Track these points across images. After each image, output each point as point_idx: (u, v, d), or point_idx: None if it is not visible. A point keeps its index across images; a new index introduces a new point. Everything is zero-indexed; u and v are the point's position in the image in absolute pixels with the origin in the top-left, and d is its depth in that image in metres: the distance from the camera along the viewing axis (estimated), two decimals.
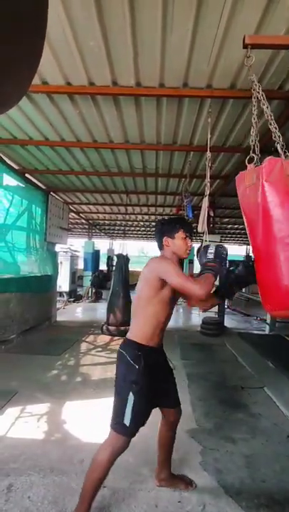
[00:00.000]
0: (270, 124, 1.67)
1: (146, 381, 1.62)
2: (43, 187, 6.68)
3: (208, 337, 6.14)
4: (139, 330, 1.70)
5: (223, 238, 13.64)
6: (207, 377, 3.95)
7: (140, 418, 1.62)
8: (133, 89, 3.01)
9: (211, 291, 1.61)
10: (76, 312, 9.08)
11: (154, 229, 1.92)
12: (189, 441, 2.49)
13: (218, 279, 1.67)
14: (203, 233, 2.96)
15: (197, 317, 8.23)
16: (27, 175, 5.84)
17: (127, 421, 1.57)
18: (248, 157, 1.61)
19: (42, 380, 3.68)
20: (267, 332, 6.78)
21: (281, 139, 1.63)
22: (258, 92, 1.72)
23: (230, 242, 16.07)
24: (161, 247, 1.81)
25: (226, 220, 10.39)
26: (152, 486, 1.97)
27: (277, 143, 1.61)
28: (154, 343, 1.72)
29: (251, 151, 1.65)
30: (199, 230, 3.05)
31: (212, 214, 6.47)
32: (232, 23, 2.25)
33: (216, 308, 6.75)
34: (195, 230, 2.55)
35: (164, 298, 1.68)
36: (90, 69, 2.79)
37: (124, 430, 1.59)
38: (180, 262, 1.86)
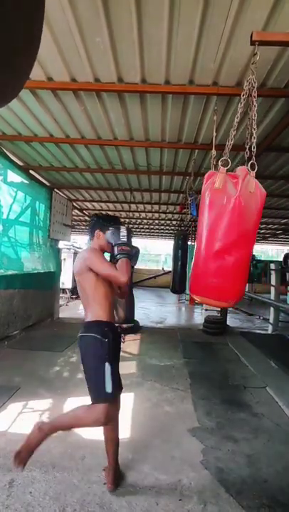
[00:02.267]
0: (252, 127, 1.73)
1: (113, 351, 1.85)
2: (47, 184, 6.68)
3: (210, 336, 6.14)
4: (99, 311, 1.88)
5: None
6: (209, 376, 3.95)
7: (117, 383, 1.87)
8: (138, 86, 2.98)
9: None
10: (79, 309, 9.10)
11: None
12: (191, 439, 2.50)
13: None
14: None
15: (200, 316, 8.22)
16: (31, 171, 5.84)
17: (108, 388, 1.75)
18: (221, 159, 1.68)
19: (44, 376, 3.69)
20: (270, 332, 6.76)
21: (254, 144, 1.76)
22: (254, 96, 1.77)
23: None
24: (91, 237, 2.02)
25: None
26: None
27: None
28: (111, 318, 1.94)
29: (224, 153, 1.77)
30: None
31: None
32: (239, 19, 2.22)
33: (218, 307, 6.74)
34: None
35: (103, 280, 1.86)
36: (96, 65, 2.78)
37: (109, 396, 1.77)
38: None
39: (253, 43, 1.82)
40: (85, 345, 1.86)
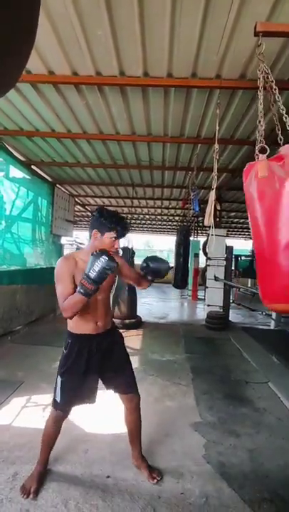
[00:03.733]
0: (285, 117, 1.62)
1: (75, 365, 1.77)
2: (49, 179, 6.67)
3: (212, 331, 6.14)
4: (69, 320, 1.77)
5: (229, 232, 13.53)
6: (211, 371, 3.96)
7: (70, 397, 1.80)
8: (140, 80, 2.96)
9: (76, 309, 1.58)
10: None
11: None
12: (193, 434, 2.51)
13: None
14: (209, 227, 2.93)
15: (202, 311, 8.22)
16: (33, 167, 5.83)
17: (57, 397, 1.79)
18: (258, 147, 1.53)
19: (47, 370, 3.71)
20: (272, 327, 6.75)
21: None
22: (271, 81, 1.67)
23: (236, 236, 15.94)
24: (89, 235, 1.75)
25: (233, 214, 10.29)
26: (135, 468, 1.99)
27: None
28: (89, 329, 1.79)
29: (258, 142, 1.58)
30: (206, 223, 3.02)
31: (219, 208, 6.41)
32: (242, 11, 2.18)
33: (220, 303, 6.74)
34: (201, 224, 2.52)
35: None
36: (97, 58, 2.75)
37: (56, 405, 1.82)
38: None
39: (256, 33, 1.79)
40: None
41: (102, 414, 2.64)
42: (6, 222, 5.20)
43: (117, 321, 5.87)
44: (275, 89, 1.68)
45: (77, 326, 1.79)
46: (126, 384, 1.93)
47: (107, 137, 4.39)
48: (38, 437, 2.33)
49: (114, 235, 1.67)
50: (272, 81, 1.68)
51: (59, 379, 1.79)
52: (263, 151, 1.51)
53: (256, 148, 1.54)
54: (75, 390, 1.81)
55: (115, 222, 1.66)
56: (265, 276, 1.52)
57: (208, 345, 5.19)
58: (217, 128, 3.03)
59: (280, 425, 2.72)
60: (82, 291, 1.51)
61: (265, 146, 1.51)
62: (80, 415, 2.71)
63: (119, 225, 1.67)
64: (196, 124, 3.89)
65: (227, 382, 3.62)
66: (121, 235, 1.70)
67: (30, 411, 2.74)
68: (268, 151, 1.51)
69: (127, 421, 2.01)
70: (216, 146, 2.86)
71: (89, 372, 1.80)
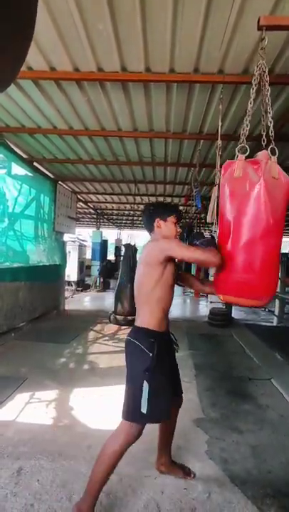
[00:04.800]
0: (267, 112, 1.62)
1: (160, 368, 1.60)
2: (51, 176, 6.66)
3: (215, 328, 6.14)
4: (150, 316, 1.67)
5: None
6: (214, 367, 3.96)
7: (158, 405, 1.58)
8: (142, 75, 2.93)
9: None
10: (84, 301, 9.17)
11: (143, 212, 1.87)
12: (195, 430, 2.52)
13: None
14: (212, 224, 2.92)
15: (205, 308, 8.21)
16: (35, 164, 5.82)
17: (144, 409, 1.53)
18: (238, 146, 1.56)
19: (51, 367, 3.74)
20: (275, 324, 6.75)
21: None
22: (266, 81, 1.67)
23: None
24: (151, 229, 1.80)
25: None
26: (159, 473, 2.00)
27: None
28: (164, 328, 1.72)
29: (240, 141, 1.59)
30: (208, 220, 3.00)
31: None
32: (246, 5, 2.15)
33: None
34: (204, 221, 2.52)
35: (167, 281, 1.67)
36: (99, 54, 2.72)
37: (141, 418, 1.56)
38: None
39: (260, 27, 1.77)
40: (130, 351, 1.67)
41: (105, 410, 2.66)
42: (8, 219, 5.22)
43: (119, 317, 5.88)
44: (268, 90, 1.68)
45: (160, 322, 1.68)
46: (180, 386, 1.92)
47: (109, 133, 4.37)
48: (42, 433, 2.37)
49: (176, 219, 1.78)
50: (267, 81, 1.68)
51: (146, 386, 1.55)
52: (243, 151, 1.54)
53: (236, 148, 1.56)
54: (164, 397, 1.64)
55: (172, 208, 1.83)
56: (222, 268, 1.59)
57: (211, 342, 5.19)
58: (220, 124, 3.01)
59: (283, 422, 2.72)
60: (210, 243, 1.60)
61: (246, 146, 1.54)
62: (83, 411, 2.73)
63: (176, 209, 1.82)
64: (198, 119, 3.86)
65: (230, 379, 3.63)
66: (179, 218, 1.80)
67: (34, 407, 2.76)
68: (248, 151, 1.53)
69: (166, 424, 1.91)
70: (219, 141, 2.85)
71: (169, 373, 1.73)
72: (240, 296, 1.59)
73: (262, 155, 1.54)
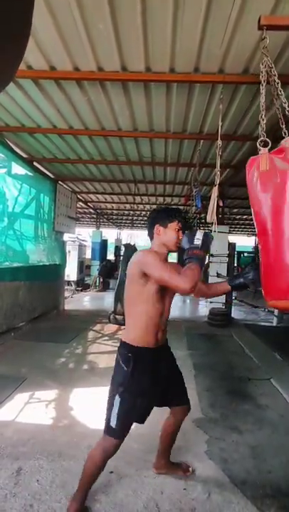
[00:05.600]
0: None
1: (137, 383, 1.56)
2: (51, 176, 6.66)
3: (215, 328, 6.14)
4: (131, 330, 1.62)
5: (231, 229, 13.48)
6: (214, 367, 3.96)
7: (127, 421, 1.59)
8: (142, 75, 2.93)
9: (198, 282, 1.48)
10: (84, 301, 9.16)
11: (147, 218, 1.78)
12: (195, 430, 2.51)
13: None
14: (212, 223, 2.92)
15: (204, 308, 8.21)
16: (35, 163, 5.82)
17: (113, 423, 1.55)
18: (260, 140, 1.51)
19: (50, 367, 3.74)
20: (274, 324, 6.74)
21: None
22: (275, 75, 1.64)
23: (239, 233, 15.90)
24: (151, 236, 1.72)
25: (235, 210, 10.26)
26: (158, 473, 1.99)
27: None
28: (150, 342, 1.61)
29: (260, 136, 1.55)
30: (208, 220, 3.00)
31: (221, 204, 6.37)
32: (246, 4, 2.15)
33: (223, 299, 6.73)
34: (204, 221, 2.50)
35: (151, 294, 1.57)
36: (99, 53, 2.72)
37: (111, 432, 1.57)
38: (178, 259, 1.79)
39: (260, 27, 1.77)
40: (115, 363, 1.65)
41: (105, 410, 2.65)
42: (8, 219, 5.21)
43: (119, 317, 5.88)
44: (278, 83, 1.65)
45: (141, 337, 1.59)
46: (183, 397, 1.88)
47: (109, 133, 4.36)
48: (41, 433, 2.36)
49: (178, 226, 1.66)
50: (275, 75, 1.66)
51: (117, 400, 1.55)
52: (264, 144, 1.49)
53: (258, 142, 1.52)
54: (135, 414, 1.61)
55: (175, 214, 1.68)
56: (269, 272, 1.46)
57: (211, 342, 5.19)
58: (220, 123, 3.00)
59: (283, 422, 2.72)
60: (194, 258, 1.47)
61: (267, 139, 1.49)
62: (83, 411, 2.73)
63: (179, 215, 1.68)
64: (198, 119, 3.86)
65: (229, 379, 3.63)
66: (182, 224, 1.68)
67: (33, 407, 2.76)
68: (270, 144, 1.48)
69: (169, 432, 1.91)
70: (219, 141, 2.84)
71: (150, 391, 1.63)
72: None
73: (286, 141, 1.47)
